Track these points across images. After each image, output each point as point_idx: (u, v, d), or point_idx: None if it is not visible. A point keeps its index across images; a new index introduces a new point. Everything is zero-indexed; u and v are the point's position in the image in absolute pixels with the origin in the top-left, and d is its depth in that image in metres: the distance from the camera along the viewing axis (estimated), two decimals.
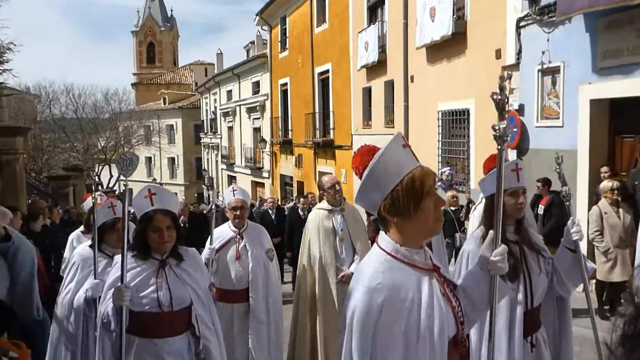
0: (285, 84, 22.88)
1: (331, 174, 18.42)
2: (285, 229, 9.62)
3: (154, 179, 40.49)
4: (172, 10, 59.85)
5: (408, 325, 1.67)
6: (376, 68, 14.56)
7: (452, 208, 8.73)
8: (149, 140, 41.41)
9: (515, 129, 8.81)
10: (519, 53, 8.95)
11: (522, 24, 8.80)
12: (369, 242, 4.96)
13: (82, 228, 5.11)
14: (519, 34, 8.92)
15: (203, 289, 2.99)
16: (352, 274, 4.33)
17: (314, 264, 4.81)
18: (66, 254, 5.20)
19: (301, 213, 9.64)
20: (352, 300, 1.75)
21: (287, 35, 22.57)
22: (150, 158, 44.34)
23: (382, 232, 1.88)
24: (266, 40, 26.13)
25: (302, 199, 10.11)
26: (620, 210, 6.40)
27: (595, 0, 6.78)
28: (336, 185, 4.89)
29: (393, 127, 13.96)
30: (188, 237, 5.06)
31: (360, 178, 1.84)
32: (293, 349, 5.01)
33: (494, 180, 2.04)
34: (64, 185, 14.70)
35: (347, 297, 1.80)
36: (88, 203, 5.29)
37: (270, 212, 10.88)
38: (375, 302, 1.67)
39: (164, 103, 44.32)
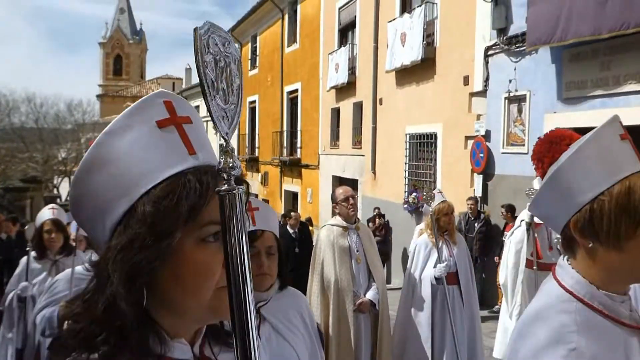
0: (254, 101, 22.83)
1: (297, 192, 18.41)
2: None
3: None
4: (141, 24, 59.50)
5: None
6: (345, 89, 14.66)
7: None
8: None
9: (481, 155, 8.94)
10: (486, 80, 9.13)
11: (490, 52, 9.00)
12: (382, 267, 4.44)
13: (33, 252, 4.00)
14: (486, 62, 9.11)
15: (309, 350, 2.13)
16: (370, 302, 4.12)
17: (328, 288, 4.12)
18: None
19: (291, 231, 8.48)
20: None
21: (258, 53, 22.58)
22: None
23: (561, 261, 1.27)
24: None
25: (292, 213, 8.86)
26: None
27: (564, 34, 6.97)
28: (351, 197, 4.24)
29: (360, 148, 14.03)
30: None
31: (542, 175, 1.31)
32: None
33: None
34: (21, 198, 14.19)
35: (511, 355, 1.21)
36: (41, 217, 4.20)
37: (291, 232, 8.66)
38: None
39: None
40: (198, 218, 0.82)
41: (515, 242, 5.27)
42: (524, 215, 5.25)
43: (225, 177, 0.73)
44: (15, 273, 4.01)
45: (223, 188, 0.72)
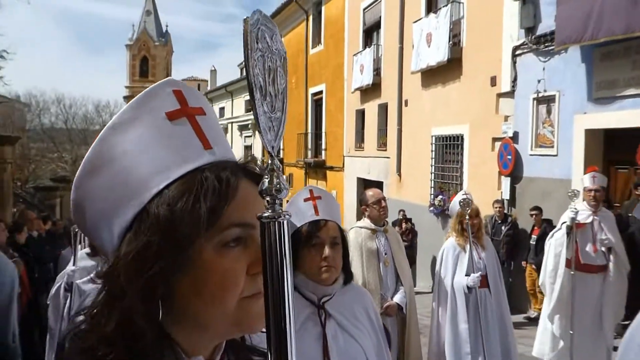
0: None
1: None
2: None
3: None
4: (167, 26, 60.27)
5: None
6: (370, 91, 14.60)
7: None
8: None
9: (509, 157, 8.80)
10: (514, 81, 8.99)
11: (517, 52, 8.86)
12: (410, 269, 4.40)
13: (87, 249, 4.07)
14: (514, 62, 8.97)
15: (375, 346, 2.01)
16: (397, 305, 4.06)
17: None
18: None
19: None
20: None
21: None
22: None
23: None
24: None
25: None
26: None
27: (596, 32, 6.83)
28: (382, 200, 4.19)
29: (385, 150, 13.96)
30: None
31: None
32: None
33: None
34: (51, 197, 14.48)
35: None
36: None
37: None
38: None
39: None
40: (219, 221, 0.72)
41: (555, 244, 5.21)
42: (565, 217, 5.16)
43: (270, 200, 0.62)
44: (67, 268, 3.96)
45: (266, 214, 0.62)
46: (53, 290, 3.64)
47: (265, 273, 0.62)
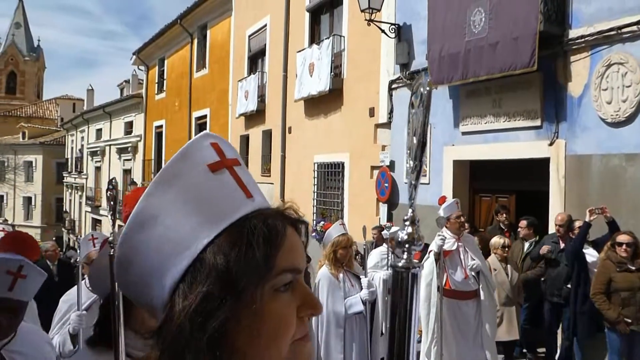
0: (161, 126, 22.24)
1: None
2: None
3: (5, 220, 36.81)
4: (39, 40, 56.51)
5: None
6: (255, 117, 14.67)
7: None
8: (2, 177, 37.84)
9: (386, 184, 9.23)
10: (390, 113, 9.49)
11: (394, 86, 9.39)
12: None
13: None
14: (390, 95, 9.49)
15: None
16: None
17: None
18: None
19: None
20: None
21: (165, 77, 22.11)
22: (2, 197, 40.39)
23: None
24: (142, 80, 25.40)
25: None
26: (509, 267, 6.49)
27: (464, 73, 7.41)
28: None
29: (270, 176, 14.03)
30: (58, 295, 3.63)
31: None
32: None
33: None
34: None
35: None
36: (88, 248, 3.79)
37: None
38: None
39: (23, 137, 40.98)
40: (274, 267, 0.74)
41: (425, 274, 5.27)
42: (432, 245, 5.33)
43: (406, 250, 0.71)
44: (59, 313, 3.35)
45: (401, 264, 0.71)
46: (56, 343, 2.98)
47: (394, 320, 0.71)
